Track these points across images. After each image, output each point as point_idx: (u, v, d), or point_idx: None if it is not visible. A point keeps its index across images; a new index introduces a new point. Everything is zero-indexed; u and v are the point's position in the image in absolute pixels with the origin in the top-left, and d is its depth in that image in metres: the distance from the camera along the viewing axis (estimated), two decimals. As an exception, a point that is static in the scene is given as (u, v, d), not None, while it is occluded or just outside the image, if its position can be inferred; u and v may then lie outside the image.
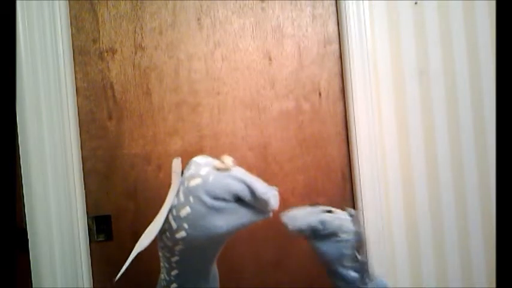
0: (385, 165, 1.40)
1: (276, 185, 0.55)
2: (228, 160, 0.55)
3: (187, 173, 0.54)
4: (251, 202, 0.53)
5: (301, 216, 0.76)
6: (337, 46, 1.39)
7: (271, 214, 0.55)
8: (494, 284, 1.46)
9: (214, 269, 0.64)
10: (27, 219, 1.15)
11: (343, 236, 0.74)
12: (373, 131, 1.37)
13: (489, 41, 1.48)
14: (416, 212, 1.43)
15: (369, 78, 1.36)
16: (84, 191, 1.24)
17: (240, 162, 1.46)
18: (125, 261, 0.53)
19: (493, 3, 1.48)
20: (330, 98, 1.39)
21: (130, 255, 0.52)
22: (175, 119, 1.29)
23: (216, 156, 0.58)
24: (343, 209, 0.79)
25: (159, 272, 0.64)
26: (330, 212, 0.77)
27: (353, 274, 0.74)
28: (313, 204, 0.81)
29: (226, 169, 0.53)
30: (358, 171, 1.36)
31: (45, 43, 1.17)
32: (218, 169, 0.53)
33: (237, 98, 1.33)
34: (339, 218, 0.75)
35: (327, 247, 0.74)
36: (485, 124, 1.48)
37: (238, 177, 0.53)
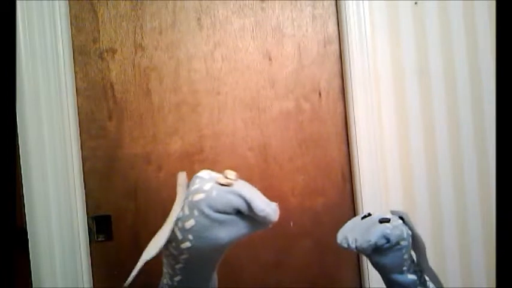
0: (385, 165, 1.40)
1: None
2: (231, 175, 0.58)
3: (192, 188, 0.57)
4: (251, 215, 0.56)
5: (360, 234, 0.72)
6: (337, 46, 1.39)
7: (270, 226, 0.57)
8: (494, 284, 1.46)
9: (214, 274, 0.66)
10: (27, 219, 1.15)
11: (403, 244, 0.71)
12: (373, 131, 1.36)
13: (489, 41, 1.48)
14: (416, 212, 1.43)
15: (369, 78, 1.36)
16: (84, 191, 1.24)
17: (240, 162, 1.45)
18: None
19: (493, 3, 1.48)
20: (330, 98, 1.39)
21: (138, 264, 0.55)
22: (175, 119, 1.29)
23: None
24: (392, 212, 0.75)
25: (161, 276, 0.65)
26: (386, 221, 0.72)
27: (411, 277, 0.72)
28: (364, 216, 0.77)
29: (229, 184, 0.56)
30: (358, 171, 1.36)
31: (45, 43, 1.17)
32: (221, 184, 0.56)
33: (237, 98, 1.33)
34: (397, 226, 0.71)
35: (388, 259, 0.70)
36: (485, 124, 1.48)
37: (238, 192, 0.55)
